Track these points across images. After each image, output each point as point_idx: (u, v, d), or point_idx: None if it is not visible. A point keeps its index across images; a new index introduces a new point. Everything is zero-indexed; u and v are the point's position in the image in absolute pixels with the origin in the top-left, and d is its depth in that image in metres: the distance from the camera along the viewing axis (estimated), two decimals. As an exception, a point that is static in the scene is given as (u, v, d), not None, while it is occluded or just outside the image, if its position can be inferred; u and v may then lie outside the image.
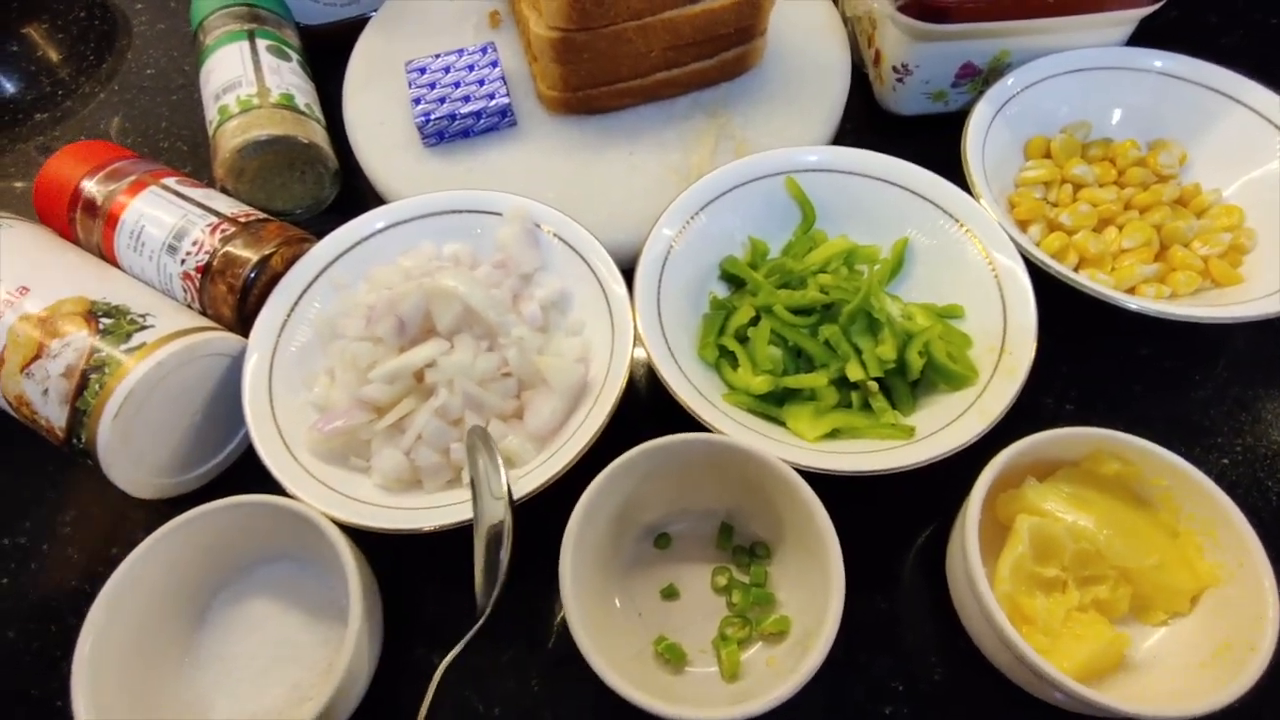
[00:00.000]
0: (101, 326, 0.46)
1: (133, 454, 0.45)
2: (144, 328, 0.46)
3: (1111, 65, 0.58)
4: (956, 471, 0.43)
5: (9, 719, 0.44)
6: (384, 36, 0.67)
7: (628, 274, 0.50)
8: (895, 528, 0.48)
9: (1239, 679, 0.36)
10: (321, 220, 0.61)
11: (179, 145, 0.69)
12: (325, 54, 0.68)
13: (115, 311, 0.46)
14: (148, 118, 0.71)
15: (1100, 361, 0.53)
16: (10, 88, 0.75)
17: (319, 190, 0.61)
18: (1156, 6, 0.56)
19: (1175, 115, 0.58)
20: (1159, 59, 0.57)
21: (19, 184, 0.68)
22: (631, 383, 0.54)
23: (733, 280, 0.54)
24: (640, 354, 0.48)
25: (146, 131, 0.70)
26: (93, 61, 0.76)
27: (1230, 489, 0.47)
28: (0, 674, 0.46)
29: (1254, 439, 0.50)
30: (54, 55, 0.78)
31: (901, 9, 0.57)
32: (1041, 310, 0.47)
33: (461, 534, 0.45)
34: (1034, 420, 0.45)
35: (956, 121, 0.56)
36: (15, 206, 0.65)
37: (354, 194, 0.63)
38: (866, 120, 0.66)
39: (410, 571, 0.48)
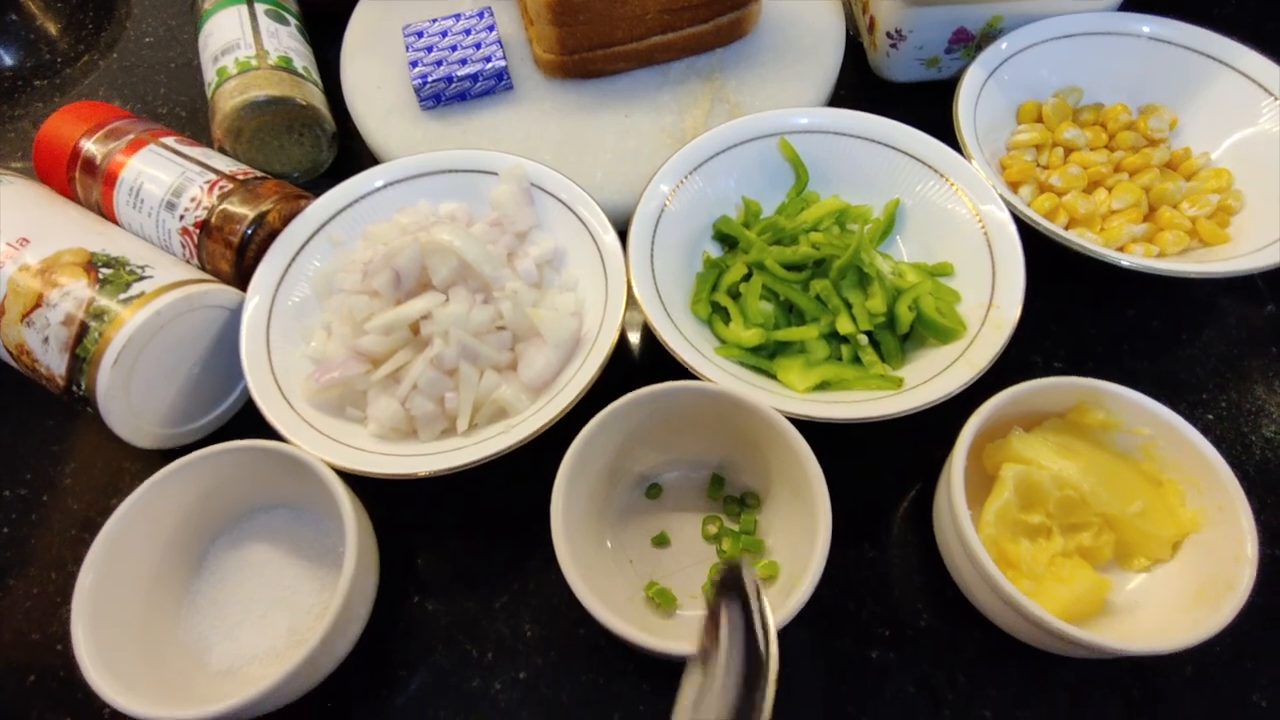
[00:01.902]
0: (101, 276, 0.46)
1: (132, 402, 0.46)
2: (143, 278, 0.46)
3: (1102, 30, 0.58)
4: (945, 426, 0.44)
5: (10, 662, 0.45)
6: (382, 2, 0.67)
7: (622, 235, 0.50)
8: (884, 480, 0.49)
9: (1217, 615, 0.37)
10: (319, 184, 0.62)
11: (178, 111, 0.69)
12: (324, 21, 0.68)
13: (114, 262, 0.47)
14: (146, 85, 0.71)
15: (1088, 322, 0.54)
16: (9, 57, 0.76)
17: (316, 153, 0.62)
18: (1147, -29, 0.57)
19: (1166, 80, 0.58)
20: (1148, 24, 0.58)
21: (18, 154, 0.68)
22: (626, 343, 0.55)
23: (726, 241, 0.55)
24: (634, 313, 0.49)
25: (145, 98, 0.70)
26: (91, 30, 0.77)
27: (1215, 443, 0.48)
28: (2, 619, 0.47)
29: (1238, 395, 0.50)
30: (53, 25, 0.78)
31: (895, -27, 0.57)
32: (1031, 271, 0.48)
33: (456, 485, 0.46)
34: (1024, 376, 0.46)
35: (949, 88, 0.57)
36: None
37: (351, 158, 0.63)
38: (860, 87, 0.67)
39: (406, 522, 0.48)
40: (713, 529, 0.46)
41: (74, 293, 0.45)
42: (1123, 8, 0.60)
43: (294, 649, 0.43)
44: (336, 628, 0.39)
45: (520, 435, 0.44)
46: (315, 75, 0.62)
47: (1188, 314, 0.54)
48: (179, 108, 0.69)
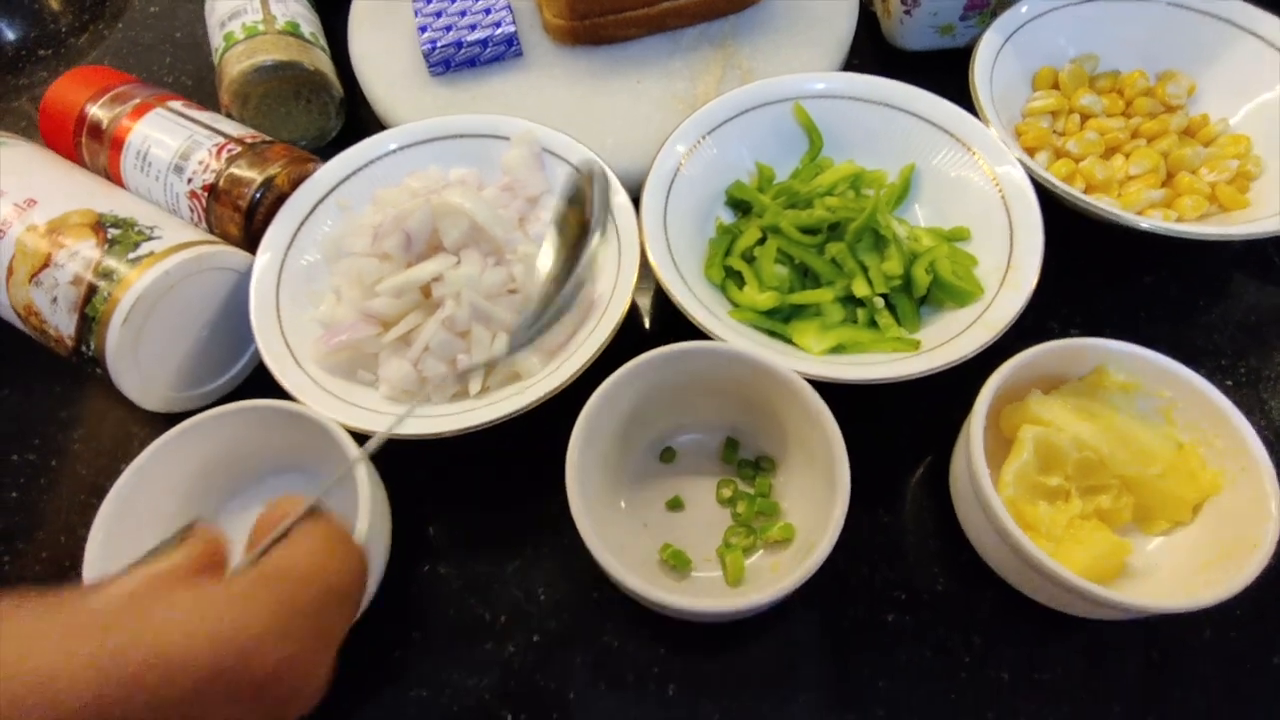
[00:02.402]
0: (109, 237, 0.46)
1: (141, 363, 0.45)
2: (151, 238, 0.46)
3: (1121, -6, 0.58)
4: (962, 389, 0.43)
5: (20, 625, 0.45)
6: (390, -30, 0.66)
7: (634, 200, 0.50)
8: (899, 445, 0.48)
9: (1241, 574, 0.36)
10: (326, 151, 0.61)
11: (183, 80, 0.69)
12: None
13: (123, 223, 0.46)
14: (152, 55, 0.71)
15: (1106, 287, 0.53)
16: (12, 30, 0.75)
17: (324, 120, 0.61)
18: (1168, -65, 0.56)
19: (1183, 46, 0.57)
20: (1167, -12, 0.57)
21: (23, 124, 0.67)
22: (639, 311, 0.54)
23: (740, 207, 0.54)
24: (646, 281, 0.48)
25: (151, 68, 0.70)
26: (96, 1, 0.76)
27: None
28: (11, 582, 0.46)
29: (1258, 361, 0.50)
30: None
31: (910, -63, 0.56)
32: (1048, 236, 0.47)
33: (468, 449, 0.45)
34: (1041, 341, 0.45)
35: (964, 56, 0.56)
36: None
37: (359, 125, 0.63)
38: (873, 56, 0.66)
39: (418, 486, 0.48)
40: (727, 492, 0.45)
41: (82, 253, 0.45)
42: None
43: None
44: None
45: (533, 397, 0.43)
46: (322, 41, 0.62)
47: (1205, 282, 0.53)
48: (185, 76, 0.69)
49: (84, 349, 0.45)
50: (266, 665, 0.24)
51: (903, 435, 0.49)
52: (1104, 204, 0.48)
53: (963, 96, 0.53)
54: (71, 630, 0.23)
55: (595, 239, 0.39)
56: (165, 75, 0.69)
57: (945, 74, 0.57)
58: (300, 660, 0.26)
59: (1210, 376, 0.49)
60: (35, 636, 0.23)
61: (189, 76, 0.69)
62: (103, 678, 0.22)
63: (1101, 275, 0.54)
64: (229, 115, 0.57)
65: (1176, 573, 0.41)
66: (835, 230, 0.49)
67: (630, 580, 0.36)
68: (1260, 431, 0.47)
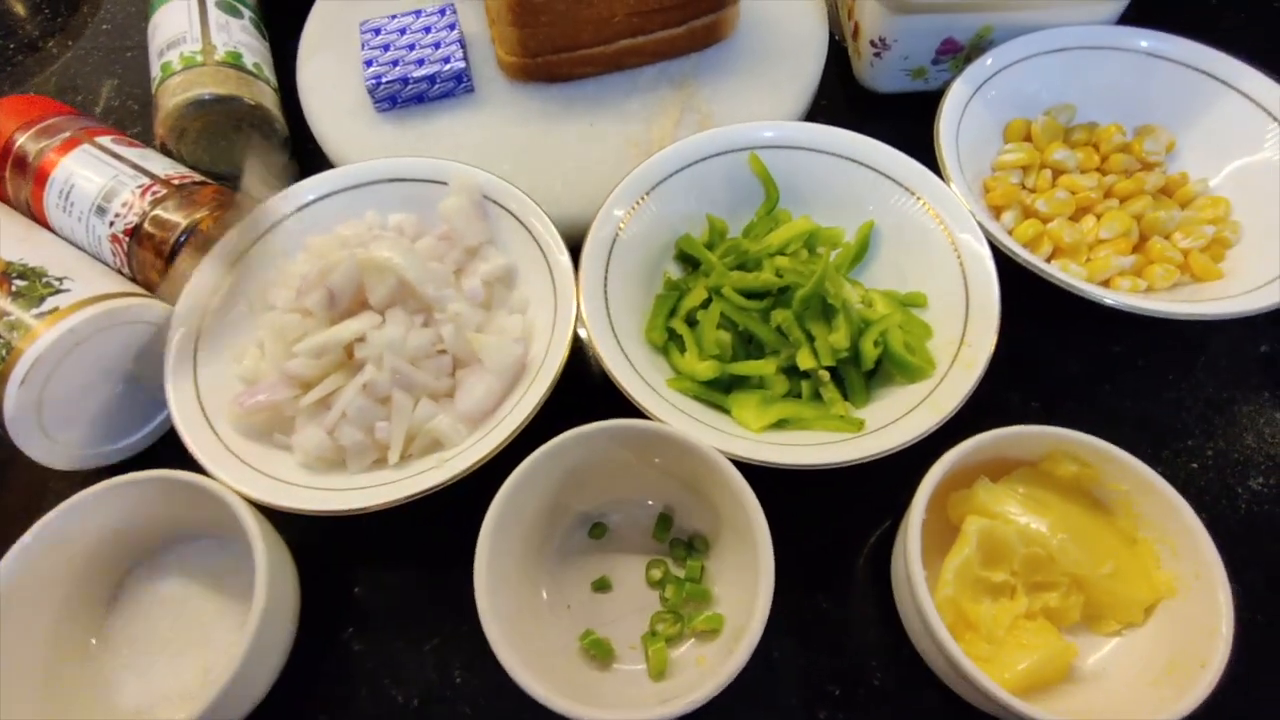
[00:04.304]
0: (14, 289, 0.43)
1: (46, 423, 0.43)
2: (59, 291, 0.44)
3: (1096, 45, 0.55)
4: (914, 466, 0.41)
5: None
6: (343, -4, 0.64)
7: (578, 250, 0.47)
8: (847, 524, 0.46)
9: (1188, 696, 0.34)
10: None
11: (130, 104, 0.66)
12: (288, 13, 0.65)
13: (30, 274, 0.44)
14: (99, 75, 0.69)
15: (1070, 357, 0.51)
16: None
17: (266, 154, 0.59)
18: (1149, -17, 0.53)
19: (1164, 99, 0.55)
20: (1145, 39, 0.54)
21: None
22: (584, 364, 0.52)
23: (689, 261, 0.52)
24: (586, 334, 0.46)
25: (97, 91, 0.67)
26: (48, 15, 0.74)
27: (1199, 494, 0.45)
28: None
29: (1226, 443, 0.47)
30: (19, 6, 0.75)
31: (880, -21, 0.54)
32: (1011, 301, 0.45)
33: (391, 513, 0.43)
34: (998, 416, 0.43)
35: (937, 101, 0.54)
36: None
37: (307, 158, 0.60)
38: (843, 97, 0.63)
39: (339, 550, 0.46)
40: (657, 574, 0.43)
41: (-16, 305, 0.43)
42: (1122, 21, 0.57)
43: (208, 690, 0.41)
44: (243, 673, 0.36)
45: (454, 470, 0.41)
46: (267, 72, 0.59)
47: (1176, 352, 0.51)
48: (131, 100, 0.67)
49: (-17, 407, 0.43)
50: None
51: (849, 511, 0.46)
52: (1068, 276, 0.45)
53: (934, 142, 0.51)
54: None
55: None
56: (113, 99, 0.67)
57: (918, 117, 0.54)
58: None
59: (1175, 459, 0.47)
60: None
61: (136, 100, 0.66)
62: None
63: (1067, 342, 0.51)
64: (164, 149, 0.55)
65: (1125, 682, 0.38)
66: (784, 295, 0.46)
67: (538, 692, 0.34)
68: (1224, 520, 0.45)
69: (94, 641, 0.42)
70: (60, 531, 0.39)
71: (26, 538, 0.39)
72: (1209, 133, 0.54)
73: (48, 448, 0.44)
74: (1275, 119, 0.51)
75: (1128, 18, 0.57)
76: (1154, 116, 0.55)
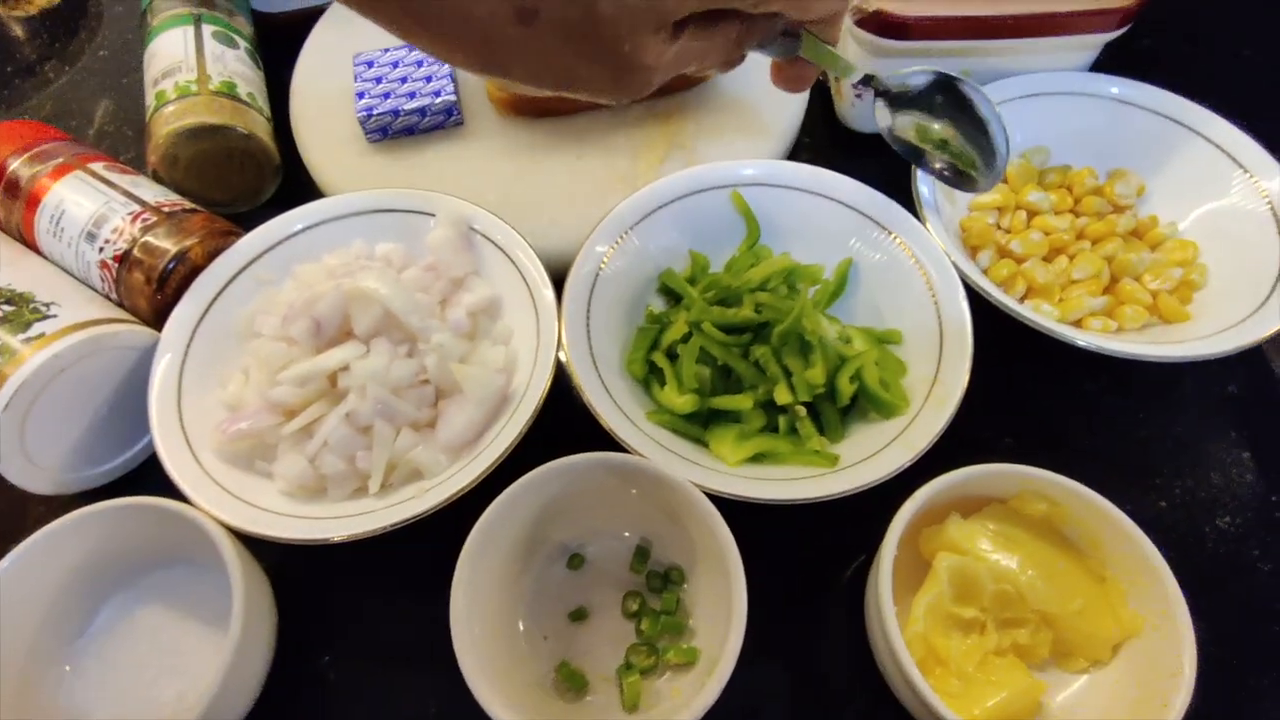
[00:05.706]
0: (1, 314, 0.44)
1: (29, 447, 0.44)
2: (46, 317, 0.44)
3: (1069, 90, 0.56)
4: (888, 500, 0.42)
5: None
6: (338, 28, 0.65)
7: (562, 283, 0.48)
8: (821, 557, 0.46)
9: (1149, 736, 0.35)
10: (261, 214, 0.60)
11: (124, 130, 0.67)
12: (285, 43, 0.66)
13: (18, 299, 0.45)
14: (94, 100, 0.69)
15: (1043, 395, 0.52)
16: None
17: (259, 182, 0.60)
18: (1120, 32, 0.55)
19: (1134, 144, 0.56)
20: (1116, 85, 0.56)
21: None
22: (566, 394, 0.52)
23: (671, 295, 0.52)
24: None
25: (90, 114, 0.68)
26: (46, 40, 0.75)
27: (1166, 532, 0.46)
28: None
29: (1194, 481, 0.48)
30: (18, 30, 0.76)
31: (860, 24, 0.55)
32: (985, 340, 0.46)
33: (369, 542, 0.43)
34: (972, 451, 0.44)
35: (915, 141, 0.55)
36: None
37: (298, 188, 0.61)
38: (826, 135, 0.65)
39: (319, 577, 0.46)
40: (633, 606, 0.43)
41: (-29, 330, 0.43)
42: (1095, 68, 0.59)
43: (182, 718, 0.41)
44: (218, 701, 0.37)
45: (434, 501, 0.41)
46: (261, 102, 0.60)
47: (1147, 391, 0.52)
48: (126, 126, 0.67)
49: (-34, 432, 0.43)
50: None
51: (825, 543, 0.47)
52: (1040, 318, 0.47)
53: (912, 183, 0.52)
54: None
55: None
56: (107, 124, 0.68)
57: (898, 156, 0.55)
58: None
59: (1144, 497, 0.48)
60: None
61: (130, 127, 0.67)
62: None
63: (1040, 379, 0.52)
64: (156, 176, 0.56)
65: (1092, 719, 0.39)
66: (763, 330, 0.47)
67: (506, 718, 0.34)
68: (1191, 558, 0.45)
69: (68, 668, 0.42)
70: (37, 559, 0.40)
71: (3, 563, 0.39)
72: (1178, 178, 0.55)
73: (30, 472, 0.44)
74: (1241, 166, 0.53)
75: (1100, 64, 0.59)
76: (1125, 160, 0.57)
